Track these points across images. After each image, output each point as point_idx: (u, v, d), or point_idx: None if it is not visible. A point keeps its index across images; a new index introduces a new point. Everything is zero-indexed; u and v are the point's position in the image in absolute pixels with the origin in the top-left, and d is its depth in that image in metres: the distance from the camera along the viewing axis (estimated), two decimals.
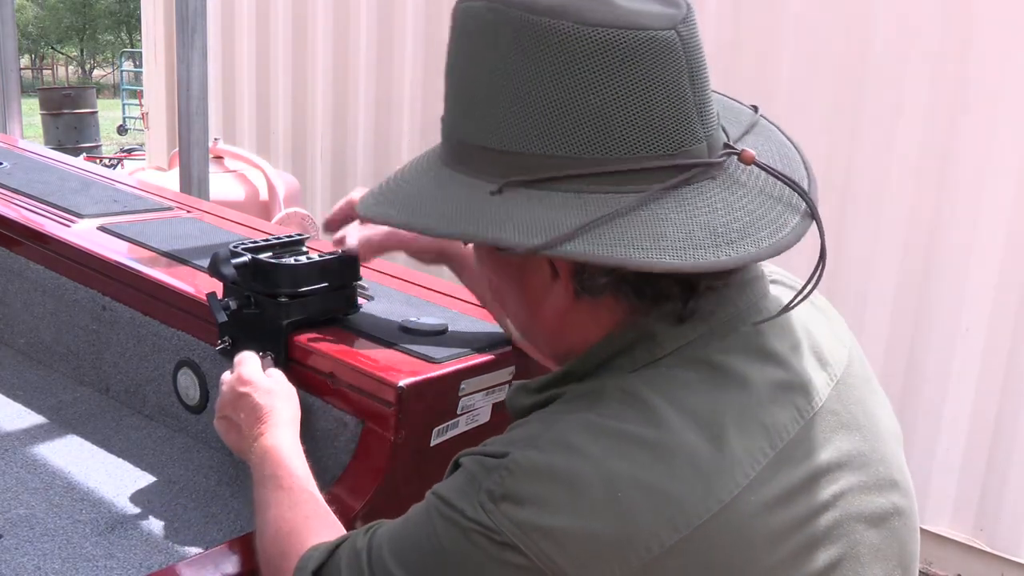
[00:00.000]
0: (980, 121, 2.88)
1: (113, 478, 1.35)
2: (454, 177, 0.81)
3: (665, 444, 0.74)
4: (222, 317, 1.29)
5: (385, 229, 1.31)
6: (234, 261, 1.28)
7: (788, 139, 0.88)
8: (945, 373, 3.04)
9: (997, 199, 2.88)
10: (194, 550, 1.19)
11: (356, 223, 1.34)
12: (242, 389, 1.20)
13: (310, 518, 1.02)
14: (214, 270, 1.29)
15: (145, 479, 1.36)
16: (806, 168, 0.85)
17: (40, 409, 1.56)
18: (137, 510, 1.28)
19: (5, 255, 1.79)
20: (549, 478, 0.73)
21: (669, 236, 0.73)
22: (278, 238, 1.38)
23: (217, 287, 1.34)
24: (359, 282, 1.39)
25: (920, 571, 3.26)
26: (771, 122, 0.90)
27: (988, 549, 3.06)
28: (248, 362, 1.24)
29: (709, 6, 3.40)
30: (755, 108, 0.88)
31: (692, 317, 0.80)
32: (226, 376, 1.24)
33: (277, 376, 1.25)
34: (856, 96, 3.10)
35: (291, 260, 1.31)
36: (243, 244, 1.34)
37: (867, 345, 3.26)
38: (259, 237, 1.44)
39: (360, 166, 4.77)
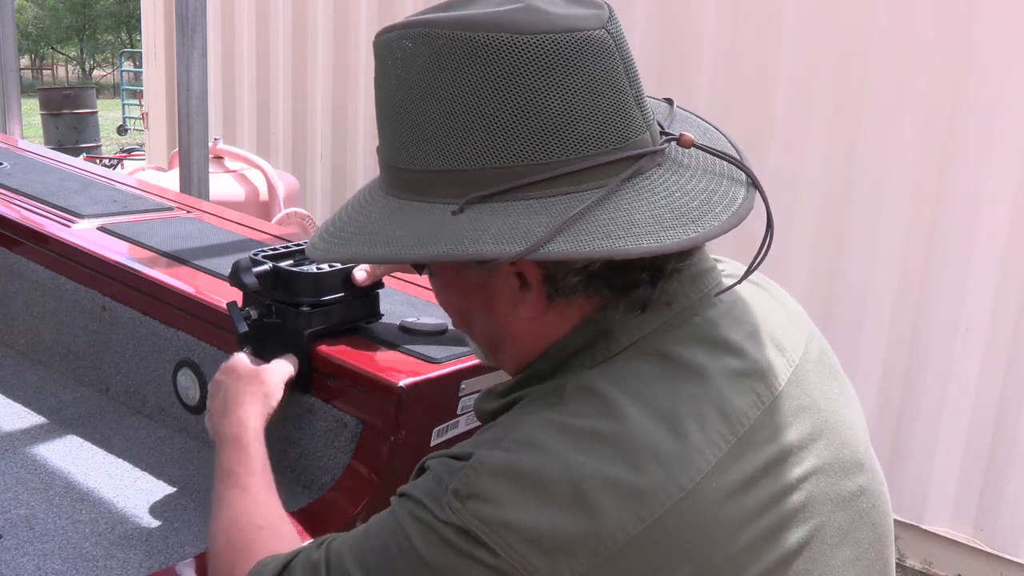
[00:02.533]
0: (980, 122, 2.88)
1: (113, 478, 1.35)
2: (408, 205, 0.81)
3: (625, 436, 0.75)
4: (243, 327, 1.25)
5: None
6: (255, 270, 1.25)
7: (709, 123, 0.91)
8: (945, 373, 3.04)
9: (997, 199, 2.88)
10: (194, 550, 1.19)
11: None
12: (217, 376, 1.22)
13: (263, 528, 1.01)
14: (235, 279, 1.25)
15: (145, 479, 1.36)
16: (733, 145, 0.88)
17: (40, 409, 1.56)
18: (137, 510, 1.28)
19: (5, 255, 1.79)
20: (514, 476, 0.74)
21: (639, 223, 0.75)
22: (298, 244, 1.36)
23: (216, 288, 1.34)
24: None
25: (920, 571, 3.27)
26: (687, 110, 0.92)
27: (988, 549, 3.06)
28: (238, 354, 1.25)
29: (709, 9, 3.40)
30: (670, 101, 0.91)
31: (652, 307, 0.82)
32: None
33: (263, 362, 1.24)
34: (856, 97, 3.10)
35: (313, 268, 1.28)
36: (263, 252, 1.31)
37: (867, 345, 3.28)
38: (263, 239, 1.44)
39: (360, 166, 4.77)
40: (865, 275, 3.15)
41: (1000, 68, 2.84)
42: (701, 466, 0.75)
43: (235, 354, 1.25)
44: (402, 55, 0.79)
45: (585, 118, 0.76)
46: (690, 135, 0.82)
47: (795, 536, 0.79)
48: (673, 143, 0.82)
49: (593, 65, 0.76)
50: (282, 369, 1.23)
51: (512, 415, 0.82)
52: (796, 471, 0.81)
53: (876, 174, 3.09)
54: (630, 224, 0.75)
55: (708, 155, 0.84)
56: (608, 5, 0.79)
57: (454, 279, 0.88)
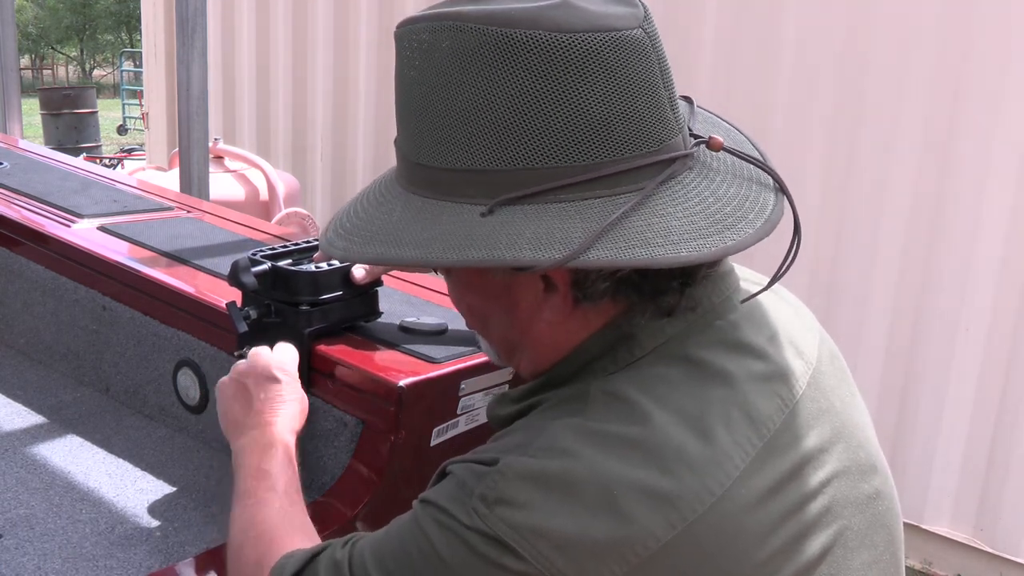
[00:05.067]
0: (980, 122, 2.88)
1: (113, 478, 1.35)
2: (432, 204, 0.78)
3: (653, 441, 0.74)
4: (242, 327, 1.25)
5: None
6: (254, 269, 1.25)
7: (730, 124, 0.89)
8: (945, 373, 3.04)
9: (997, 199, 2.88)
10: (194, 550, 1.19)
11: None
12: (278, 374, 1.17)
13: (287, 518, 1.00)
14: (234, 279, 1.24)
15: (145, 479, 1.36)
16: (755, 147, 0.86)
17: (40, 409, 1.56)
18: (137, 510, 1.28)
19: (5, 255, 1.79)
20: (544, 482, 0.73)
21: (675, 230, 0.74)
22: (296, 244, 1.36)
23: (216, 288, 1.34)
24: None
25: (920, 571, 3.27)
26: (706, 109, 0.90)
27: (988, 549, 3.06)
28: (288, 352, 1.22)
29: (709, 9, 3.40)
30: (689, 99, 0.88)
31: (678, 312, 0.81)
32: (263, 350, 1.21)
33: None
34: (856, 96, 3.10)
35: (311, 267, 1.28)
36: (261, 251, 1.30)
37: (867, 346, 3.28)
38: (263, 238, 1.43)
39: (360, 166, 4.77)
40: (865, 275, 3.15)
41: (1001, 69, 2.84)
42: (730, 471, 0.74)
43: (286, 349, 1.23)
44: (428, 48, 0.76)
45: (622, 120, 0.74)
46: (719, 138, 0.80)
47: (819, 541, 0.78)
48: (702, 146, 0.80)
49: (631, 66, 0.74)
50: (281, 352, 1.21)
51: (534, 421, 0.81)
52: (819, 475, 0.80)
53: (876, 174, 3.09)
54: (667, 231, 0.73)
55: (734, 157, 0.82)
56: (643, 3, 0.77)
57: (475, 279, 0.85)
